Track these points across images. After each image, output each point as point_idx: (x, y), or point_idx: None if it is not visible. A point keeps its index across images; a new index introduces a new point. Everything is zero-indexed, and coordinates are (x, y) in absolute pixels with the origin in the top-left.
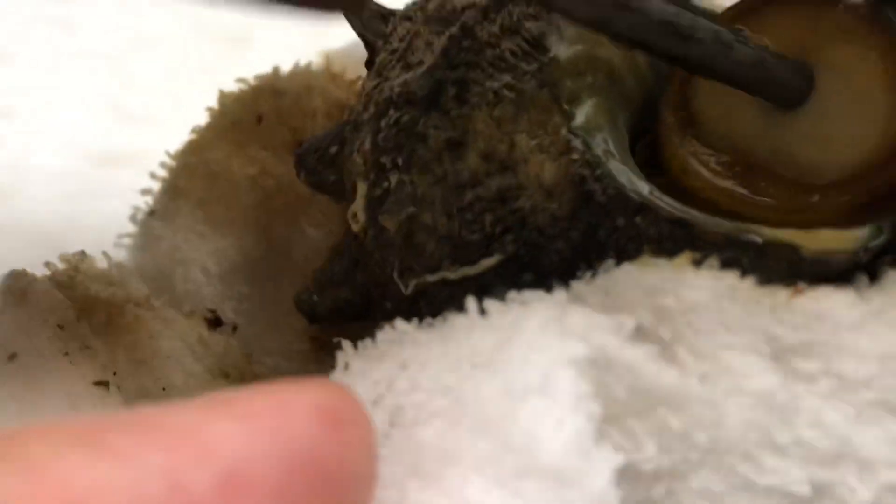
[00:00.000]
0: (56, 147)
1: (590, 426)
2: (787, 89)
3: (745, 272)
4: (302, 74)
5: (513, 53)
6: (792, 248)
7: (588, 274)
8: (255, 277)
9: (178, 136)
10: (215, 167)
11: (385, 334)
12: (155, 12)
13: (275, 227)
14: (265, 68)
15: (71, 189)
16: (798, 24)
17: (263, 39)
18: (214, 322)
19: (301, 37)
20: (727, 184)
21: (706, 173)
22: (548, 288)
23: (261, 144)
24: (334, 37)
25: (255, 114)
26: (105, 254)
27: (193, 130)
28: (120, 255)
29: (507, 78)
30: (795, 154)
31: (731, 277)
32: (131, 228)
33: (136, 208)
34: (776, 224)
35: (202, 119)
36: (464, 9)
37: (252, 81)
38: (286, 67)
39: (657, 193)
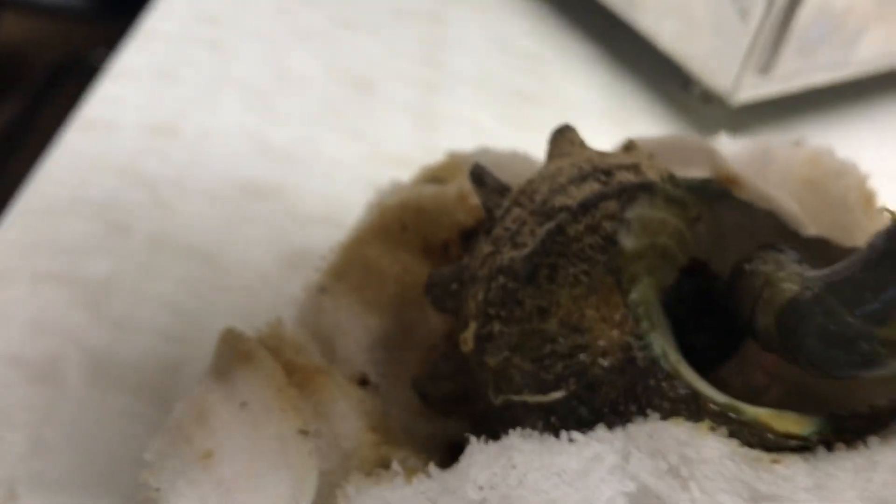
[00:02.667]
0: (212, 171)
1: None
2: None
3: (742, 440)
4: (439, 197)
5: (591, 247)
6: (764, 428)
7: (640, 418)
8: (391, 348)
9: (311, 174)
10: (371, 261)
11: (505, 439)
12: (295, 51)
13: (408, 312)
14: (383, 113)
15: (223, 213)
16: None
17: (383, 86)
18: (363, 382)
19: (413, 87)
20: None
21: None
22: (598, 419)
23: (404, 248)
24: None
25: (401, 224)
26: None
27: (355, 228)
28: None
29: (584, 266)
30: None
31: (734, 444)
32: (269, 258)
33: (309, 284)
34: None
35: (335, 160)
36: (560, 209)
37: (403, 195)
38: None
39: (682, 365)
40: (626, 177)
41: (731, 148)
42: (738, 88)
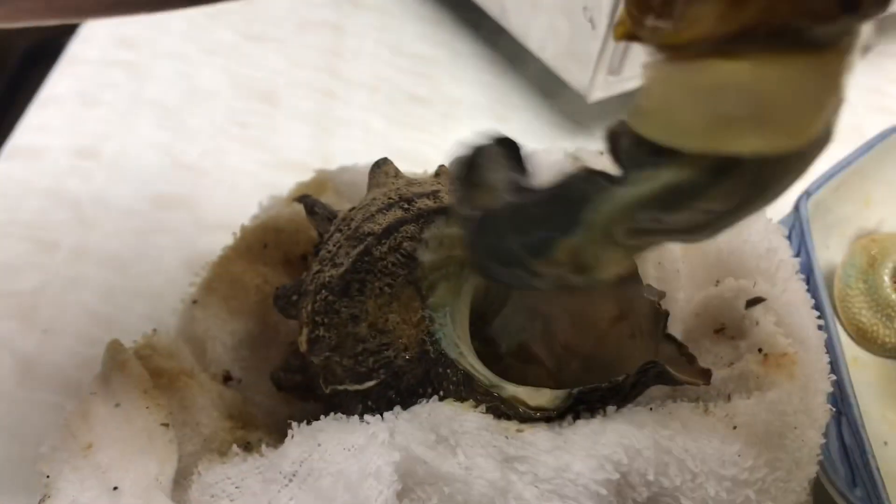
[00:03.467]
0: (128, 188)
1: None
2: None
3: (499, 414)
4: (295, 218)
5: (393, 264)
6: (518, 402)
7: (435, 398)
8: (255, 347)
9: (217, 184)
10: (236, 276)
11: (316, 423)
12: (204, 67)
13: (269, 317)
14: (284, 122)
15: (137, 226)
16: None
17: (285, 96)
18: (226, 378)
19: (313, 95)
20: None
21: None
22: (403, 400)
23: (264, 263)
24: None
25: (262, 243)
26: (161, 332)
27: (223, 249)
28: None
29: (388, 280)
30: None
31: (489, 418)
32: (176, 264)
33: (185, 297)
34: None
35: (238, 169)
36: (368, 234)
37: (263, 217)
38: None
39: (464, 354)
40: (426, 203)
41: (547, 158)
42: (593, 88)
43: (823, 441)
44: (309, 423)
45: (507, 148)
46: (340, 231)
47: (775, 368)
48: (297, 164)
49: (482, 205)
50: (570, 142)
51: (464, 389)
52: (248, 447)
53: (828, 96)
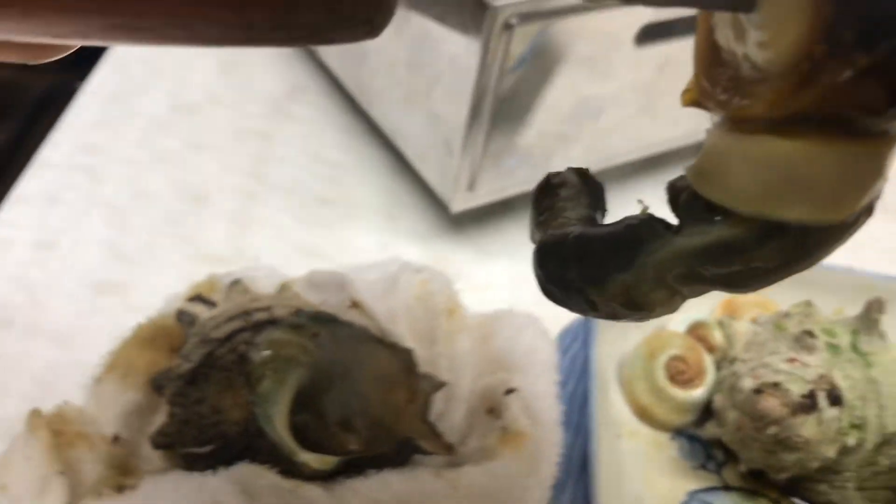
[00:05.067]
0: (77, 275)
1: None
2: None
3: (294, 474)
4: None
5: (231, 362)
6: (305, 465)
7: (255, 462)
8: (141, 415)
9: (149, 273)
10: (131, 359)
11: (170, 473)
12: (151, 172)
13: (154, 391)
14: (210, 220)
15: (79, 308)
16: None
17: (214, 197)
18: (115, 439)
19: (237, 197)
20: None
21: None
22: (233, 461)
23: (155, 350)
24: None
25: (153, 336)
26: (73, 404)
27: (120, 339)
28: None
29: (225, 373)
30: (752, 59)
31: (281, 477)
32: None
33: (92, 376)
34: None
35: (166, 261)
36: (214, 339)
37: (154, 319)
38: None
39: (278, 429)
40: (260, 315)
41: (369, 276)
42: (454, 201)
43: (549, 495)
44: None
45: (588, 183)
46: (196, 335)
47: (507, 444)
48: (217, 257)
49: (553, 231)
50: (447, 240)
51: (273, 455)
52: (120, 489)
53: (871, 180)
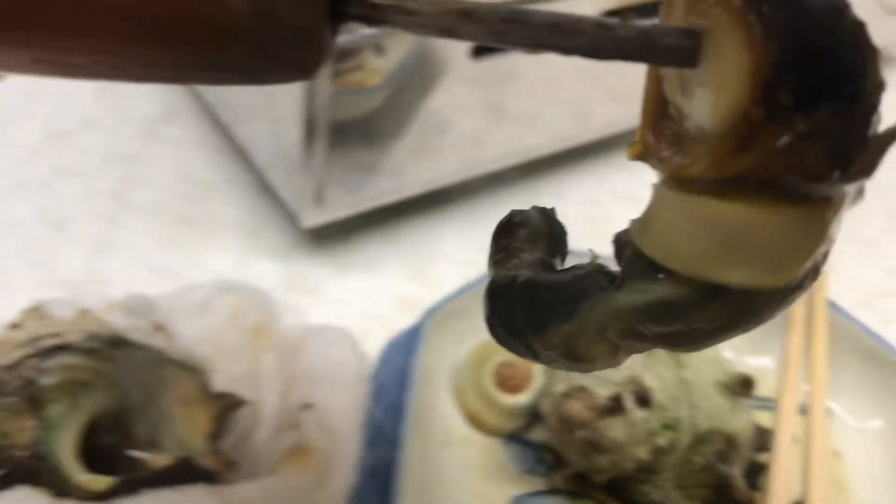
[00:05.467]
0: None
1: None
2: (676, 51)
3: (71, 495)
4: None
5: (16, 388)
6: (80, 486)
7: (28, 485)
8: None
9: (4, 300)
10: None
11: None
12: (13, 199)
13: None
14: (68, 245)
15: None
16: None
17: (75, 223)
18: None
19: (99, 221)
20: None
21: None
22: (24, 481)
23: None
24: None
25: None
26: None
27: None
28: None
29: (11, 399)
30: (695, 117)
31: (55, 499)
32: None
33: None
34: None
35: (18, 288)
36: (1, 366)
37: None
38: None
39: (58, 454)
40: (49, 342)
41: (177, 303)
42: (303, 216)
43: None
44: None
45: (551, 226)
46: None
47: (294, 459)
48: (70, 282)
49: (505, 272)
50: (307, 256)
51: (54, 477)
52: None
53: (813, 245)
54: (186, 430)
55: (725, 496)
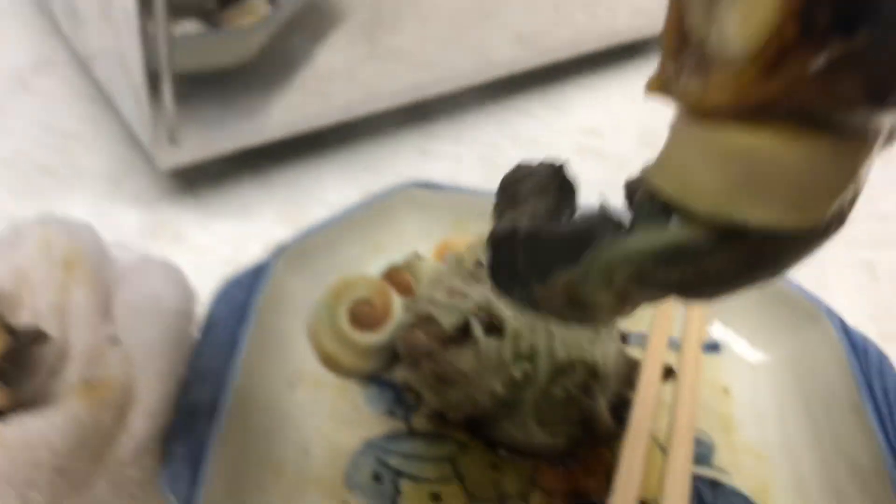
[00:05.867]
0: None
1: None
2: None
3: None
4: None
5: None
6: None
7: None
8: None
9: None
10: None
11: None
12: None
13: None
14: None
15: None
16: None
17: None
18: None
19: None
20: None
21: None
22: None
23: None
24: None
25: None
26: None
27: None
28: None
29: None
30: (721, 38)
31: None
32: None
33: None
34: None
35: None
36: None
37: None
38: None
39: None
40: None
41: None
42: (158, 157)
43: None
44: None
45: (560, 179)
46: None
47: (87, 394)
48: None
49: (511, 221)
50: (173, 203)
51: None
52: None
53: (843, 183)
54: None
55: (591, 431)
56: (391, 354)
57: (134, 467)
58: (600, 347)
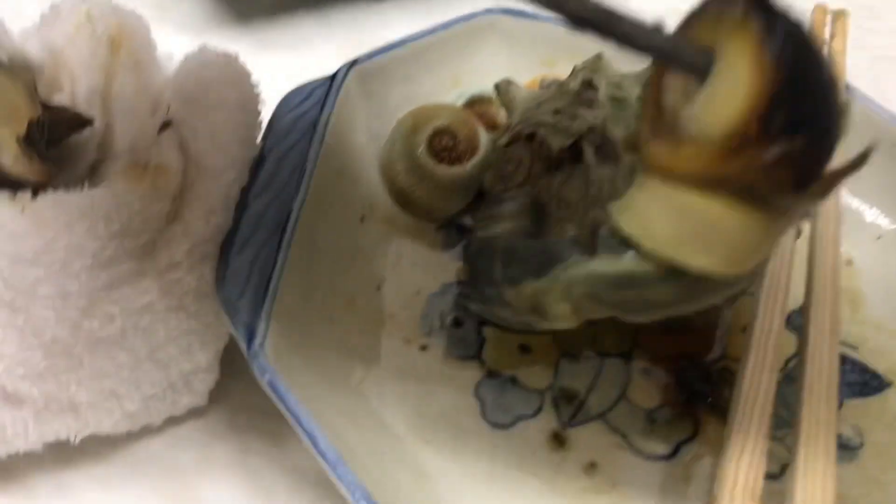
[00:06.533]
0: None
1: None
2: (693, 63)
3: None
4: None
5: None
6: None
7: None
8: None
9: None
10: None
11: None
12: None
13: None
14: None
15: None
16: (709, 24)
17: None
18: None
19: None
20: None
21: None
22: None
23: None
24: None
25: None
26: None
27: None
28: None
29: None
30: (694, 122)
31: None
32: None
33: None
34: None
35: None
36: None
37: None
38: None
39: None
40: None
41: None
42: None
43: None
44: None
45: (536, 206)
46: None
47: (133, 176)
48: None
49: (490, 233)
50: (226, 32)
51: None
52: None
53: (768, 247)
54: None
55: None
56: (472, 194)
57: (189, 273)
58: None
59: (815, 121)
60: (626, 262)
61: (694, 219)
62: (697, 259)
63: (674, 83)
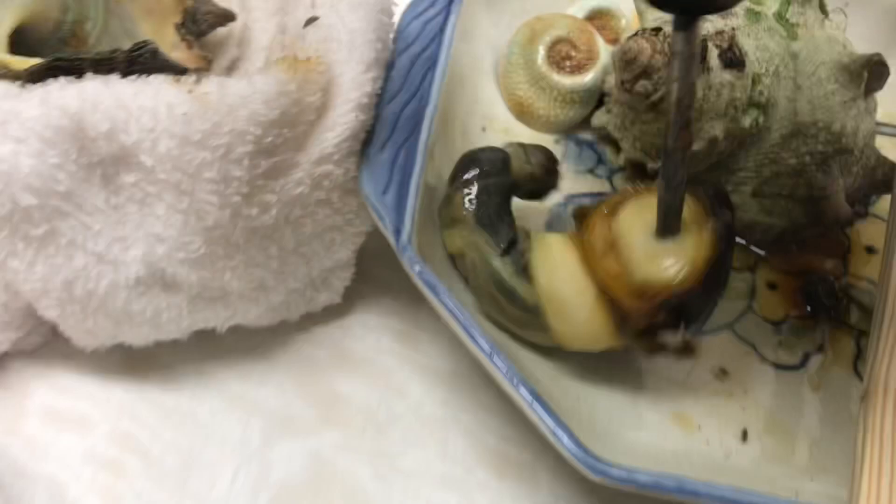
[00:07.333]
0: None
1: None
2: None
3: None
4: None
5: None
6: (5, 66)
7: None
8: None
9: None
10: None
11: None
12: None
13: None
14: None
15: None
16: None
17: None
18: None
19: None
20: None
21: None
22: None
23: None
24: None
25: None
26: None
27: None
28: None
29: None
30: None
31: None
32: None
33: None
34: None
35: None
36: None
37: None
38: None
39: None
40: None
41: None
42: None
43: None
44: None
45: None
46: None
47: (288, 67)
48: None
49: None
50: None
51: None
52: None
53: (596, 347)
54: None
55: (817, 216)
56: (592, 105)
57: (337, 166)
58: (853, 119)
59: (694, 324)
60: (515, 279)
61: (573, 290)
62: (551, 319)
63: (645, 216)
